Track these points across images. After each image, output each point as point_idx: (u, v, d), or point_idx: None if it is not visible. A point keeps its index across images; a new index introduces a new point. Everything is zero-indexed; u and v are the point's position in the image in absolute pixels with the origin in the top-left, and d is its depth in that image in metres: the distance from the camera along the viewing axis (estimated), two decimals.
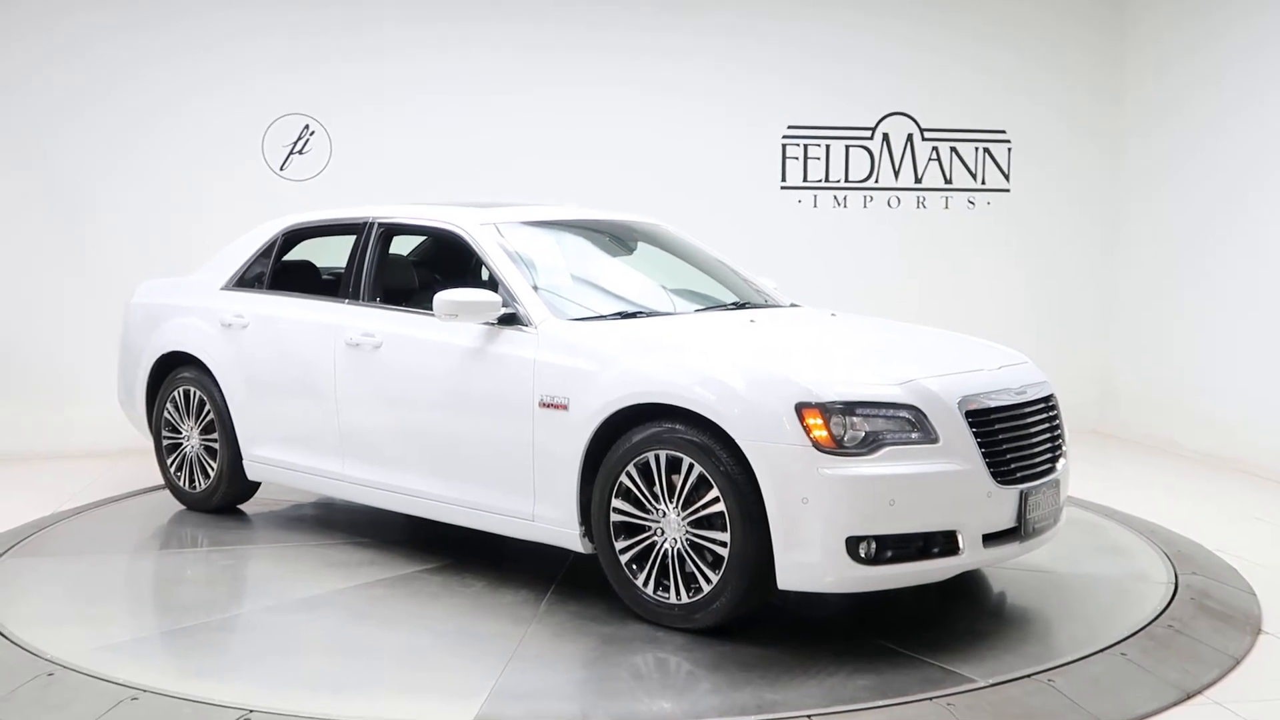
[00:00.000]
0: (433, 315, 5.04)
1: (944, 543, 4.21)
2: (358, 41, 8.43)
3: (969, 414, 4.29)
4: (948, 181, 9.26)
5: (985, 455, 4.27)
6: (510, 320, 4.95)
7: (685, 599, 4.36)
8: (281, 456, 5.85)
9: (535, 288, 5.03)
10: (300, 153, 8.45)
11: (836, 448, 4.10)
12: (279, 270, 6.19)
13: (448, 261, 6.50)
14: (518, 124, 8.57)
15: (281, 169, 8.43)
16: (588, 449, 4.60)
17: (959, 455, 4.22)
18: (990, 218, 9.30)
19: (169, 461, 6.43)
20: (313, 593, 4.94)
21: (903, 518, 4.12)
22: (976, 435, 4.27)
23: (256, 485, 6.26)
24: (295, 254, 6.32)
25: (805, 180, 9.08)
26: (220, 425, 6.11)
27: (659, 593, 4.43)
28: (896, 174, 9.18)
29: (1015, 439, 4.42)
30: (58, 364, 8.21)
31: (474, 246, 5.31)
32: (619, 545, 4.53)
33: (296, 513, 6.38)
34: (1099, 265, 9.41)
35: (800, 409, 4.13)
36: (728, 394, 4.26)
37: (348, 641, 4.42)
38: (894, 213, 9.20)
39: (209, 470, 6.23)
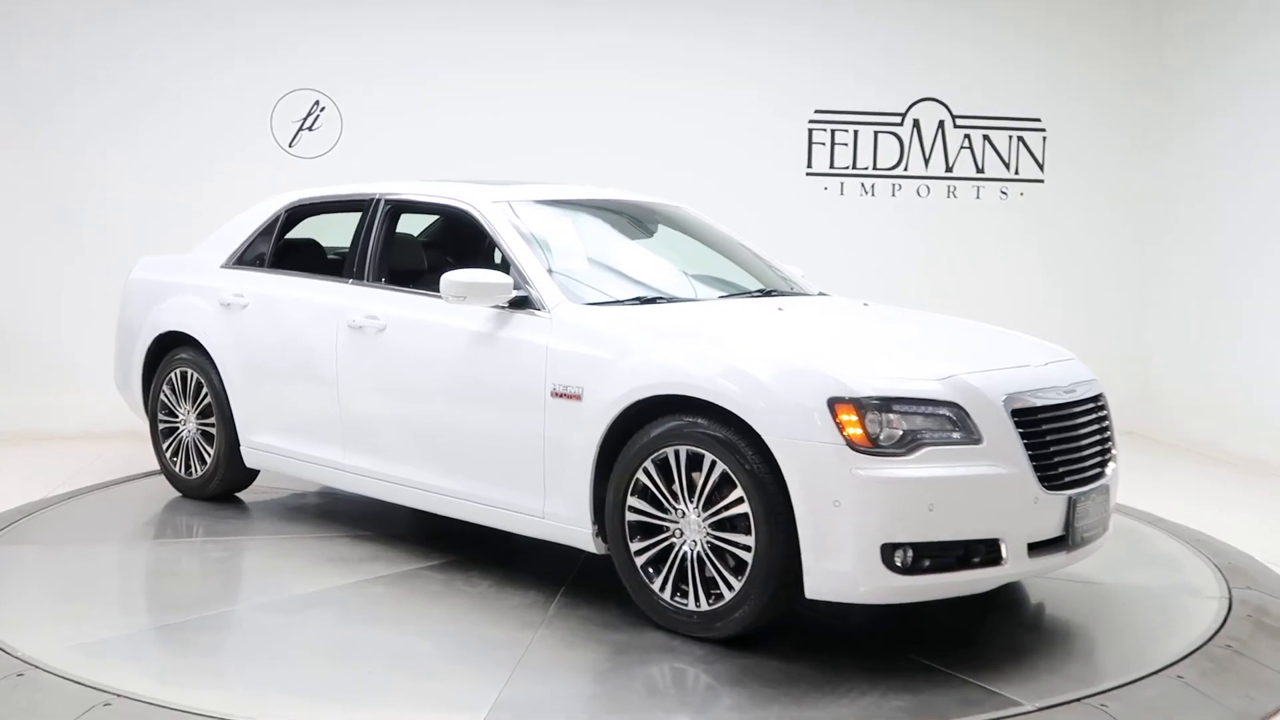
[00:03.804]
0: (440, 297, 4.74)
1: (986, 552, 3.89)
2: (372, 15, 8.16)
3: (1014, 413, 3.96)
4: (980, 171, 8.92)
5: (1031, 458, 3.95)
6: (522, 304, 4.64)
7: (705, 606, 4.05)
8: (280, 443, 5.56)
9: (549, 270, 4.73)
10: (310, 129, 8.20)
11: (872, 447, 3.78)
12: (281, 248, 5.90)
13: (458, 242, 6.23)
14: (535, 106, 8.29)
15: (290, 146, 8.17)
16: (602, 443, 4.30)
17: (1003, 457, 3.90)
18: (1023, 210, 8.97)
19: (165, 446, 6.16)
20: (309, 589, 4.65)
21: (942, 524, 3.80)
22: (1022, 436, 3.95)
23: (255, 473, 5.97)
24: (298, 231, 6.03)
25: (832, 167, 8.77)
26: (218, 409, 5.83)
27: (677, 598, 4.13)
28: (926, 162, 8.85)
29: (1063, 441, 4.09)
30: (55, 345, 7.98)
31: (485, 225, 5.01)
32: (634, 546, 4.23)
33: (297, 502, 6.09)
34: (1136, 262, 9.05)
35: (833, 404, 3.81)
36: (754, 387, 3.95)
37: (342, 644, 4.13)
38: (923, 202, 8.87)
39: (206, 456, 5.95)
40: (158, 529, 5.68)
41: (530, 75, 8.29)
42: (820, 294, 5.50)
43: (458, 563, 4.99)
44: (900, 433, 3.82)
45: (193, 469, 6.02)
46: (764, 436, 3.88)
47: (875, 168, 8.80)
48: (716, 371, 4.05)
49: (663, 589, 4.15)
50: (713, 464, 4.01)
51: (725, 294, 5.08)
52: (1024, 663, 3.99)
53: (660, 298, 4.77)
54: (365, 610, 4.44)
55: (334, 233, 6.04)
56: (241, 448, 5.76)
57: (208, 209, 7.60)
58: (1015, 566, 3.94)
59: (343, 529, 5.54)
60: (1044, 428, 4.03)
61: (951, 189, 8.90)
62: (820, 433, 3.80)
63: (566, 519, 4.45)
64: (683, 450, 4.08)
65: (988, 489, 3.86)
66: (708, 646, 4.03)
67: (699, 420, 4.06)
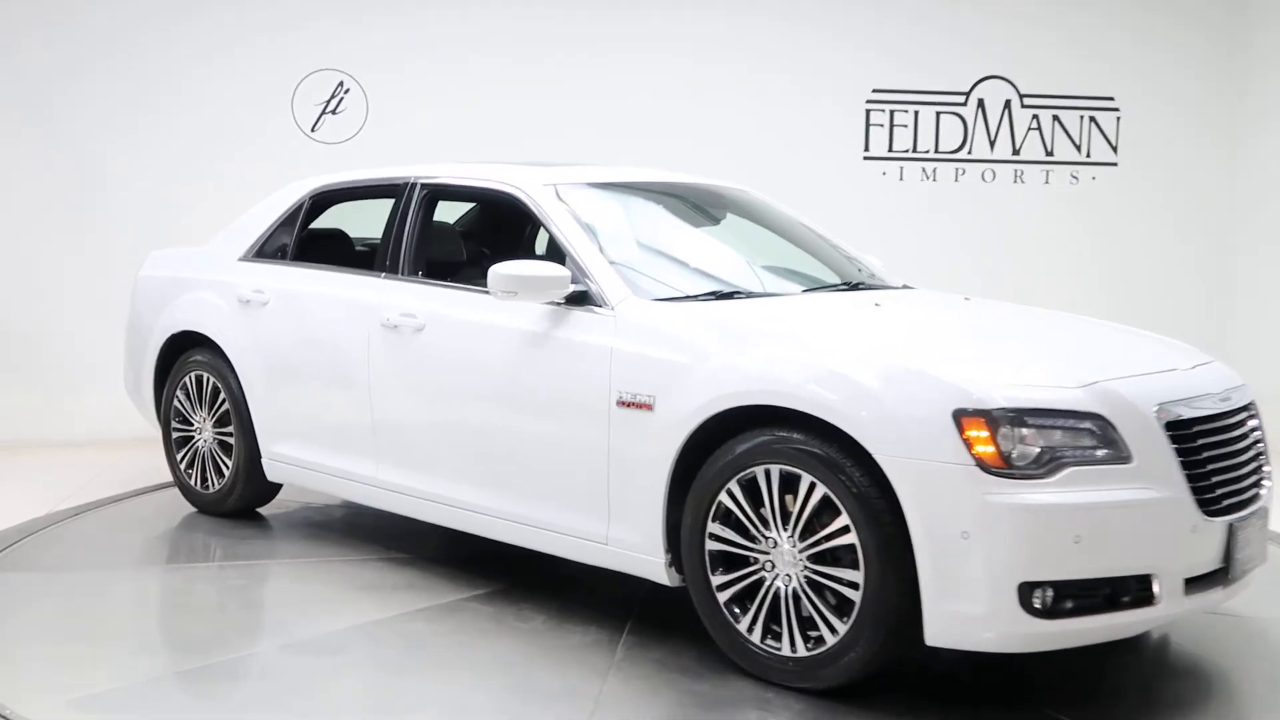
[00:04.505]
0: (485, 292, 4.19)
1: (1136, 590, 3.31)
2: None
3: (1168, 426, 3.38)
4: (1049, 154, 8.33)
5: (1188, 478, 3.36)
6: (580, 300, 4.08)
7: (803, 651, 3.48)
8: (305, 455, 5.02)
9: (611, 261, 4.16)
10: (333, 113, 7.67)
11: (1006, 468, 3.20)
12: (305, 239, 5.35)
13: (497, 231, 5.71)
14: (573, 88, 7.75)
15: (313, 130, 7.65)
16: (678, 459, 3.73)
17: (1157, 479, 3.32)
18: (1095, 195, 8.35)
19: (179, 457, 5.62)
20: (340, 625, 4.10)
21: (1089, 559, 3.22)
22: (1178, 453, 3.36)
23: (277, 487, 5.43)
24: (324, 220, 5.48)
25: (891, 150, 8.19)
26: (236, 417, 5.29)
27: (768, 642, 3.55)
28: (992, 144, 8.26)
29: (1222, 458, 3.50)
30: (64, 345, 7.46)
31: (535, 212, 4.44)
32: (716, 580, 3.66)
33: (322, 517, 5.55)
34: (1217, 251, 8.42)
35: (959, 417, 3.23)
36: (862, 396, 3.37)
37: (383, 696, 3.57)
38: (988, 187, 8.28)
39: (223, 468, 5.41)
40: (171, 551, 5.15)
41: (567, 56, 7.75)
42: (905, 286, 4.92)
43: (505, 592, 4.44)
44: (1036, 451, 3.24)
45: (209, 482, 5.49)
46: (874, 455, 3.31)
47: (937, 151, 8.23)
48: (815, 378, 3.48)
49: (751, 630, 3.59)
50: (811, 486, 3.44)
51: (807, 288, 4.50)
52: (1163, 714, 3.41)
53: (737, 292, 4.19)
54: (406, 653, 3.88)
55: (363, 222, 5.51)
56: (262, 460, 5.22)
57: (225, 198, 7.05)
58: (1170, 606, 3.35)
59: (373, 551, 4.99)
60: (1199, 443, 3.44)
61: (1018, 173, 8.31)
62: (944, 451, 3.22)
63: (634, 546, 3.89)
64: (774, 469, 3.51)
65: (1140, 516, 3.28)
66: (808, 699, 3.46)
67: (794, 435, 3.49)
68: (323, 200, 5.36)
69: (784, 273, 4.60)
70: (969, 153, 8.25)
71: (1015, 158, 8.29)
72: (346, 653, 3.88)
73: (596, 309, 4.03)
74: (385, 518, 5.41)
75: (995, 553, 3.18)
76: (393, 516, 5.15)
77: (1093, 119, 8.33)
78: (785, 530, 3.51)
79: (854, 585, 3.37)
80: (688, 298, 4.08)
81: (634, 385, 3.84)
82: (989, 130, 8.25)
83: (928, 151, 8.21)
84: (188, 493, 5.62)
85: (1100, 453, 3.28)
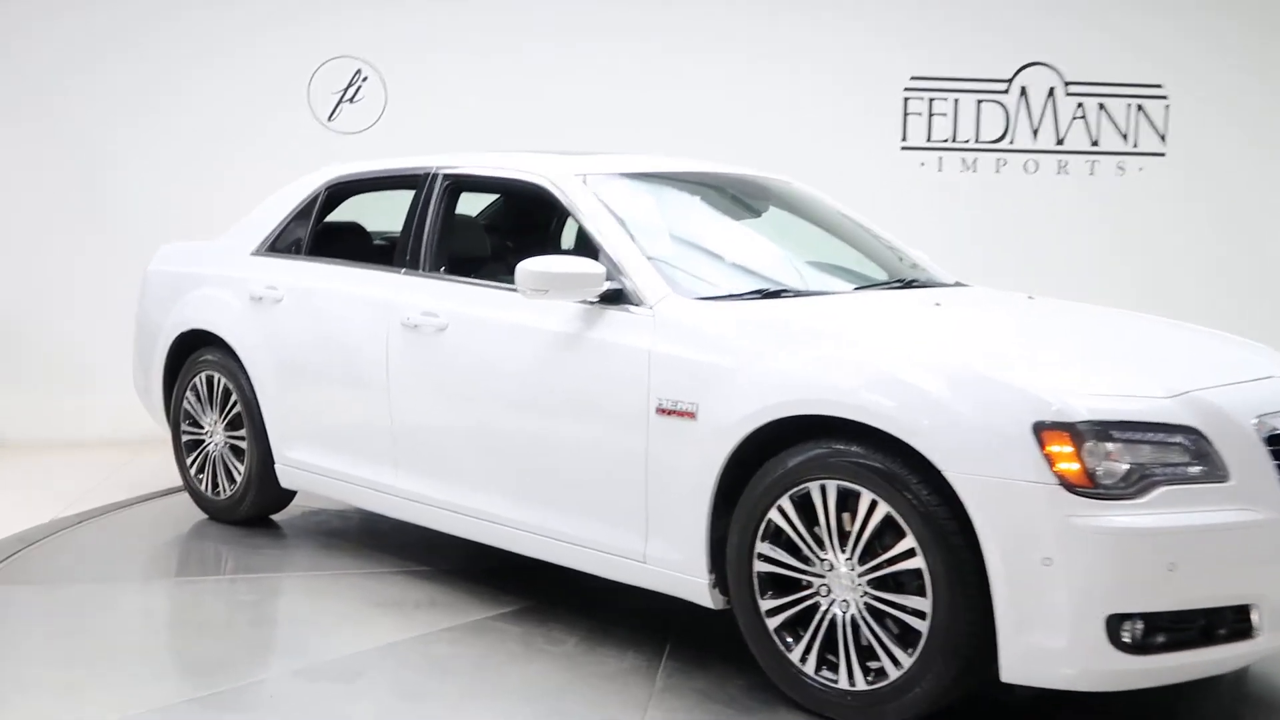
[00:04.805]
0: (512, 290, 3.90)
1: (1234, 621, 3.00)
2: None
3: (1269, 440, 3.06)
4: (1094, 144, 7.97)
5: None
6: (614, 298, 3.78)
7: (863, 685, 3.18)
8: (321, 461, 4.74)
9: (648, 257, 3.86)
10: (351, 101, 7.40)
11: (1092, 487, 2.89)
12: (321, 232, 5.07)
13: (522, 225, 5.41)
14: (600, 78, 7.45)
15: (329, 120, 7.38)
16: (723, 471, 3.43)
17: (1257, 498, 3.00)
18: (1143, 187, 7.99)
19: (189, 461, 5.35)
20: (359, 647, 3.81)
21: (1185, 588, 2.92)
22: None
23: (291, 493, 5.15)
24: (341, 213, 5.20)
25: (929, 140, 7.85)
26: (249, 420, 5.02)
27: (824, 673, 3.26)
28: (1035, 134, 7.92)
29: None
30: (71, 342, 7.22)
31: (565, 203, 4.14)
32: (766, 605, 3.36)
33: (338, 524, 5.28)
34: (1274, 250, 8.05)
35: (1040, 430, 2.93)
36: (929, 406, 3.07)
37: None
38: (1031, 179, 7.93)
39: (235, 474, 5.14)
40: (180, 562, 4.89)
41: (594, 45, 7.45)
42: (957, 284, 4.60)
43: (533, 610, 4.15)
44: (1125, 468, 2.93)
45: (220, 488, 5.22)
46: (944, 471, 3.01)
47: (977, 141, 7.89)
48: (876, 385, 3.17)
49: (804, 660, 3.29)
50: (872, 504, 3.14)
51: (859, 285, 4.20)
52: None
53: (785, 291, 3.88)
54: (430, 678, 3.59)
55: (382, 215, 5.22)
56: (276, 465, 4.95)
57: (237, 190, 6.73)
58: (1270, 639, 3.04)
59: (391, 563, 4.71)
60: None
61: (1062, 164, 7.96)
62: (1023, 468, 2.92)
63: (674, 564, 3.59)
64: (831, 485, 3.21)
65: (1240, 541, 2.97)
66: None
67: (853, 447, 3.19)
68: (339, 192, 5.08)
69: (831, 269, 4.29)
70: (1011, 142, 7.91)
71: (1059, 148, 7.94)
72: (364, 677, 3.60)
73: (633, 308, 3.73)
74: (403, 526, 5.10)
75: (1080, 581, 2.87)
76: (411, 526, 4.87)
77: (1140, 107, 7.98)
78: (843, 552, 3.21)
79: (920, 614, 3.07)
80: (733, 296, 3.78)
81: (675, 391, 3.54)
82: (1032, 119, 7.91)
83: (968, 141, 7.88)
84: (198, 498, 5.35)
85: (1194, 470, 2.97)
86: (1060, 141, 7.94)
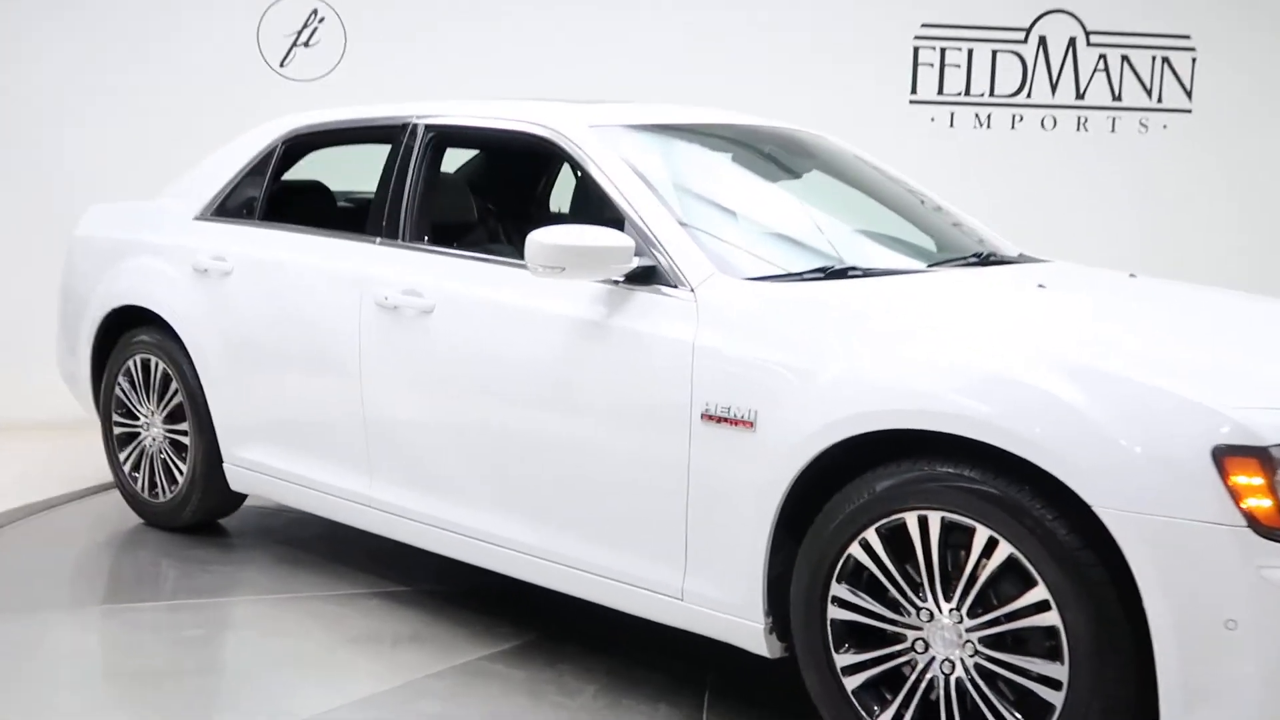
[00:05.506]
0: (515, 266, 3.21)
1: None
2: None
3: None
4: (1116, 99, 7.41)
5: None
6: (644, 277, 3.10)
7: None
8: (277, 463, 4.05)
9: (685, 225, 3.17)
10: (306, 45, 6.72)
11: None
12: (277, 193, 4.34)
13: (506, 186, 4.70)
14: (585, 14, 6.77)
15: (282, 65, 6.67)
16: (788, 494, 2.78)
17: None
18: (1166, 146, 7.45)
19: (122, 457, 4.63)
20: (329, 704, 3.13)
21: None
22: None
23: (242, 496, 4.45)
24: (301, 171, 4.47)
25: (941, 93, 7.27)
26: (191, 412, 4.31)
27: None
28: (1054, 88, 7.34)
29: None
30: None
31: (579, 159, 3.44)
32: (843, 660, 2.72)
33: (299, 531, 4.58)
34: None
35: (1221, 456, 2.29)
36: (1071, 421, 2.42)
37: None
38: (1048, 135, 7.36)
39: (177, 473, 4.42)
40: (110, 582, 4.17)
41: None
42: (1022, 256, 3.97)
43: (537, 646, 3.49)
44: None
45: (159, 489, 4.51)
46: (1094, 507, 2.36)
47: (992, 95, 7.31)
48: (998, 393, 2.52)
49: None
50: (990, 543, 2.49)
51: (932, 261, 3.54)
52: None
53: (852, 269, 3.21)
54: None
55: (348, 173, 4.50)
56: (224, 465, 4.24)
57: (177, 144, 6.07)
58: None
59: (364, 582, 4.03)
60: None
61: (1082, 120, 7.40)
62: (1200, 504, 2.28)
63: (720, 604, 2.94)
64: (933, 516, 2.57)
65: None
66: None
67: (965, 470, 2.54)
68: (300, 145, 4.34)
69: (893, 242, 3.63)
70: (1028, 97, 7.34)
71: (1079, 103, 7.38)
72: None
73: (669, 290, 3.05)
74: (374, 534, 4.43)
75: (1273, 650, 2.25)
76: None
77: (1165, 60, 7.41)
78: (947, 599, 2.57)
79: (1052, 682, 2.44)
80: (790, 276, 3.11)
81: (727, 395, 2.87)
82: (1050, 72, 7.34)
83: (982, 95, 7.30)
84: (133, 501, 4.64)
85: None
86: (1080, 96, 7.37)
